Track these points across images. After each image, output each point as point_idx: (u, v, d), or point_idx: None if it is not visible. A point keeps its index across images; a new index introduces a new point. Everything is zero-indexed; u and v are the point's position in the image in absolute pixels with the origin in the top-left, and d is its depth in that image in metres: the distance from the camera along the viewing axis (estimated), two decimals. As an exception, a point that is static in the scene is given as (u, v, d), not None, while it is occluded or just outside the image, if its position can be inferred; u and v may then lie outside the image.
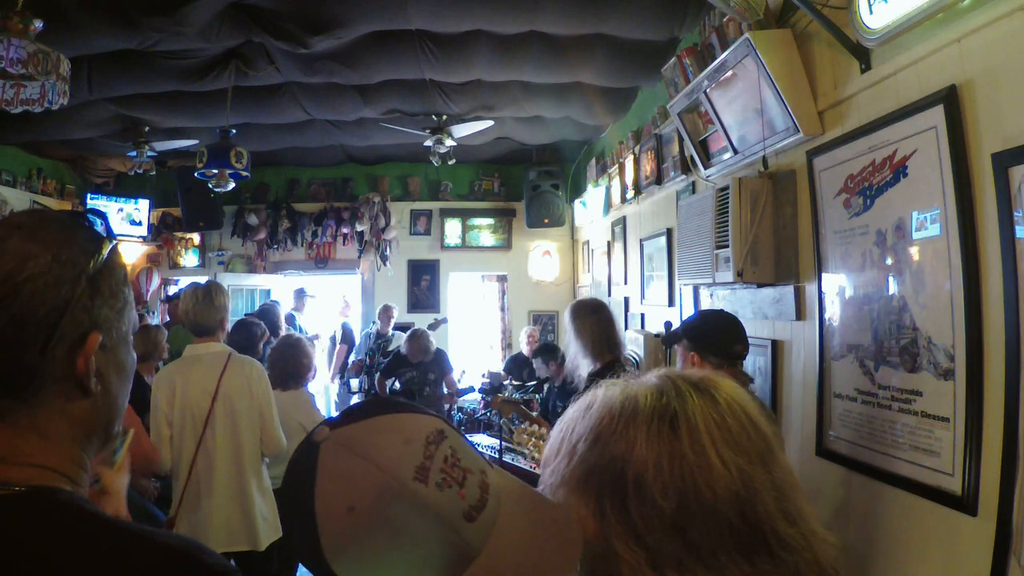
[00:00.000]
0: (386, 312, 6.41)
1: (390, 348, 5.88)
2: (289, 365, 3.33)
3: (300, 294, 6.95)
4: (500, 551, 0.56)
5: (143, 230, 7.07)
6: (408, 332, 5.34)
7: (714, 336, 2.13)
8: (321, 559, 0.55)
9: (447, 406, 5.29)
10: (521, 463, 3.23)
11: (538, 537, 0.59)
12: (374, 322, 6.62)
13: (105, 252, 0.70)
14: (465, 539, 0.55)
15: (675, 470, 0.59)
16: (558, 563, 0.58)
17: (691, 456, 0.59)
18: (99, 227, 0.72)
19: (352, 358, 6.55)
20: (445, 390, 5.35)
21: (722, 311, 2.36)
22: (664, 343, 2.36)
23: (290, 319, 6.64)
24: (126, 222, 6.92)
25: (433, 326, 6.00)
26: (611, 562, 0.60)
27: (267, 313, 5.25)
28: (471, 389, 5.39)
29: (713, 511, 0.58)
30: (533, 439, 2.16)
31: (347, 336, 6.79)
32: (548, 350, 4.95)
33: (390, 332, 6.26)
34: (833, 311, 2.25)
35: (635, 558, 0.58)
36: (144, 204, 7.07)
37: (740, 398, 0.66)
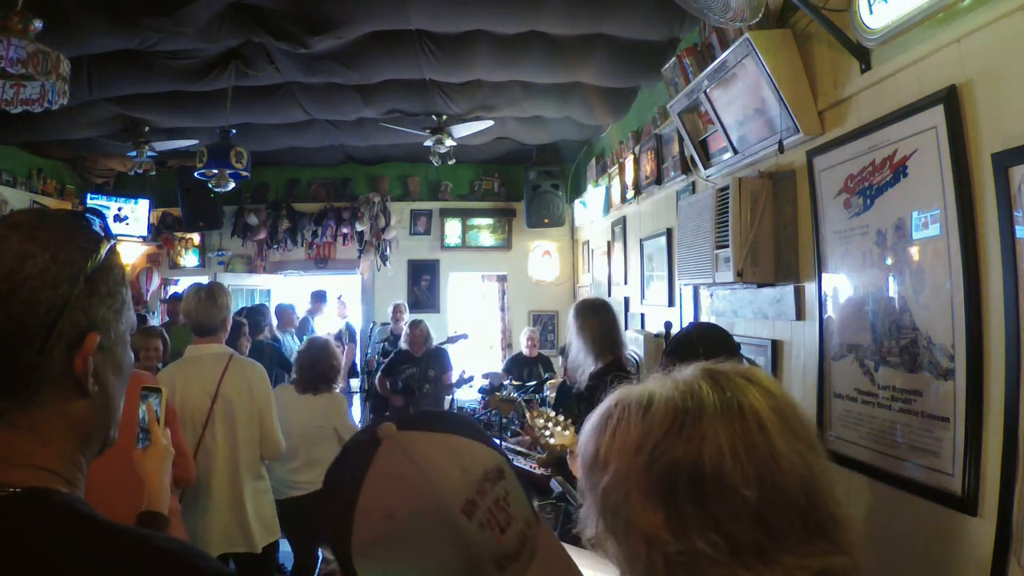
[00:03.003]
0: (396, 311, 6.42)
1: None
2: (319, 368, 3.26)
3: (318, 297, 6.92)
4: None
5: (142, 229, 7.07)
6: (408, 323, 5.35)
7: (694, 350, 2.11)
8: (346, 551, 0.56)
9: (446, 396, 5.29)
10: (521, 463, 3.23)
11: None
12: (380, 323, 6.61)
13: (103, 252, 0.70)
14: None
15: (751, 459, 0.61)
16: None
17: (762, 444, 0.62)
18: (97, 227, 0.72)
19: (359, 357, 6.55)
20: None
21: (704, 323, 2.34)
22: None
23: (305, 323, 6.63)
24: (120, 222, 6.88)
25: (452, 339, 6.01)
26: (690, 558, 0.60)
27: (255, 312, 5.27)
28: (471, 379, 5.39)
29: (787, 496, 0.60)
30: (551, 424, 2.15)
31: (352, 335, 6.78)
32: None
33: (401, 330, 6.25)
34: (833, 311, 2.25)
35: (716, 550, 0.59)
36: (144, 204, 7.07)
37: (782, 389, 0.69)
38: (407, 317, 6.26)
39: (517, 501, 0.59)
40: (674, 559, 0.61)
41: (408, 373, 5.14)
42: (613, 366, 2.76)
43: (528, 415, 2.58)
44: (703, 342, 2.13)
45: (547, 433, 2.17)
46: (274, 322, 6.01)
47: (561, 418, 2.19)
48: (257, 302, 6.84)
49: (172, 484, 2.27)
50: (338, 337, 6.68)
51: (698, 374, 0.68)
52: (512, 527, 0.57)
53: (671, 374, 0.70)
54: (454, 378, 5.34)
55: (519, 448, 3.75)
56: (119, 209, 6.87)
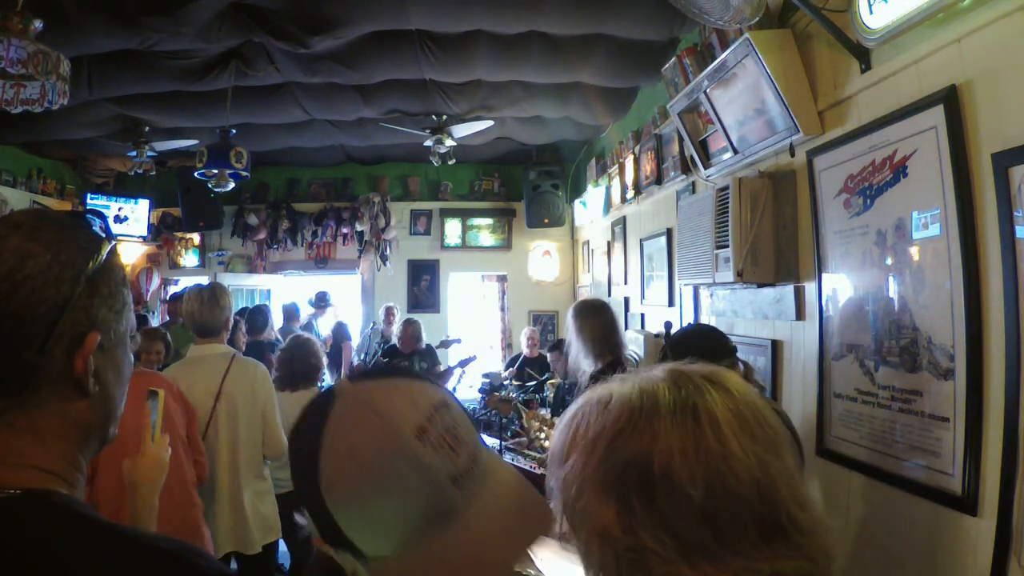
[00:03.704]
0: (388, 313, 6.43)
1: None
2: (298, 366, 3.31)
3: (321, 299, 6.94)
4: (479, 518, 0.62)
5: (142, 229, 7.06)
6: (402, 320, 5.39)
7: (696, 352, 2.09)
8: (317, 492, 0.61)
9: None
10: (521, 463, 3.23)
11: (514, 511, 0.66)
12: (373, 323, 6.61)
13: (104, 253, 0.70)
14: (449, 500, 0.61)
15: (701, 459, 0.61)
16: (524, 536, 0.65)
17: (714, 445, 0.61)
18: (98, 227, 0.72)
19: (355, 358, 6.55)
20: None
21: (698, 324, 2.35)
22: None
23: (308, 325, 6.65)
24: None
25: (446, 343, 6.01)
26: (639, 555, 0.61)
27: (256, 312, 5.28)
28: (474, 358, 5.45)
29: (738, 497, 0.60)
30: (545, 427, 2.16)
31: (346, 334, 6.78)
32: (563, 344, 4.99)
33: (392, 332, 6.26)
34: (833, 311, 2.25)
35: (664, 548, 0.60)
36: (144, 204, 7.07)
37: (748, 391, 0.68)
38: (399, 319, 6.29)
39: (465, 428, 0.65)
40: (624, 556, 0.61)
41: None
42: (613, 366, 2.76)
43: (524, 417, 2.60)
44: (672, 350, 2.14)
45: (541, 436, 2.18)
46: (276, 324, 6.01)
47: (555, 420, 2.20)
48: (257, 302, 6.84)
49: (194, 478, 2.29)
50: (335, 335, 6.68)
51: (661, 375, 0.69)
52: (463, 449, 0.63)
53: (637, 374, 0.71)
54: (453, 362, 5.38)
55: (519, 448, 3.75)
56: (119, 209, 6.87)
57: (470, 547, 0.61)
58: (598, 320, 2.81)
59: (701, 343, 2.17)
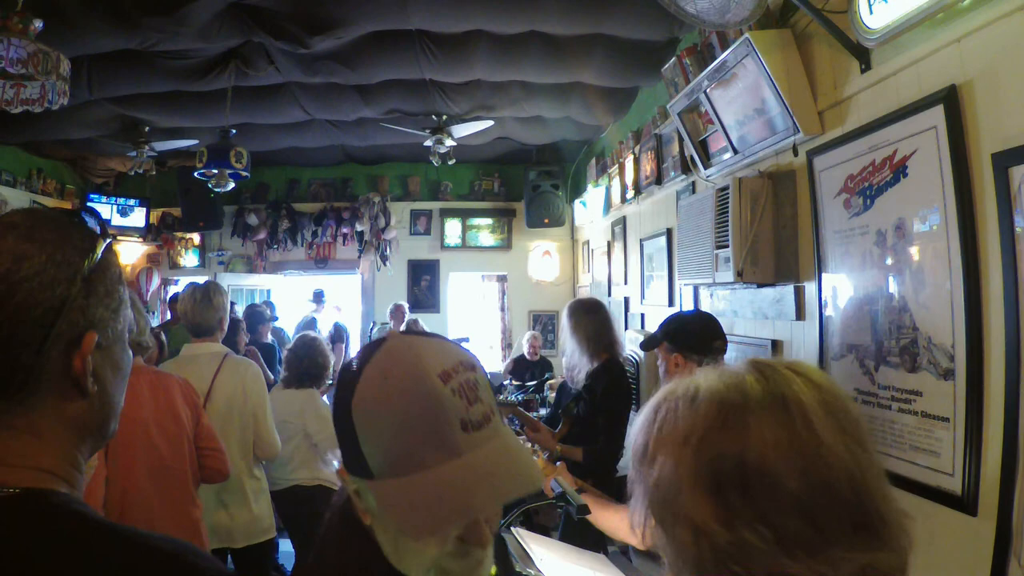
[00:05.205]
0: (398, 311, 6.43)
1: None
2: (306, 365, 3.28)
3: (318, 296, 6.96)
4: (477, 460, 0.69)
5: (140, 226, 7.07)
6: (407, 321, 5.39)
7: (693, 335, 2.18)
8: (348, 410, 0.70)
9: None
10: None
11: (508, 465, 0.72)
12: (383, 323, 6.62)
13: (100, 251, 0.70)
14: (455, 438, 0.68)
15: (795, 451, 0.61)
16: (510, 486, 0.70)
17: (807, 436, 0.61)
18: (94, 225, 0.72)
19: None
20: None
21: (697, 310, 2.40)
22: (643, 348, 2.39)
23: (311, 323, 6.67)
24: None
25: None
26: (738, 549, 0.61)
27: (252, 314, 5.30)
28: (466, 339, 5.50)
29: (833, 489, 0.60)
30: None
31: (341, 335, 6.80)
32: None
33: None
34: (833, 311, 2.25)
35: (763, 541, 0.60)
36: (141, 212, 7.06)
37: (831, 381, 0.68)
38: (408, 318, 6.29)
39: (485, 392, 0.72)
40: (723, 549, 0.61)
41: None
42: (609, 365, 2.76)
43: None
44: (674, 336, 2.17)
45: None
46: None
47: (529, 445, 2.21)
48: (257, 302, 6.86)
49: (197, 479, 2.29)
50: (331, 337, 6.69)
51: (745, 366, 0.68)
52: (478, 405, 0.70)
53: (718, 367, 0.70)
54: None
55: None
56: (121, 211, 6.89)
57: (462, 481, 0.67)
58: (592, 319, 2.81)
59: (706, 327, 2.22)
